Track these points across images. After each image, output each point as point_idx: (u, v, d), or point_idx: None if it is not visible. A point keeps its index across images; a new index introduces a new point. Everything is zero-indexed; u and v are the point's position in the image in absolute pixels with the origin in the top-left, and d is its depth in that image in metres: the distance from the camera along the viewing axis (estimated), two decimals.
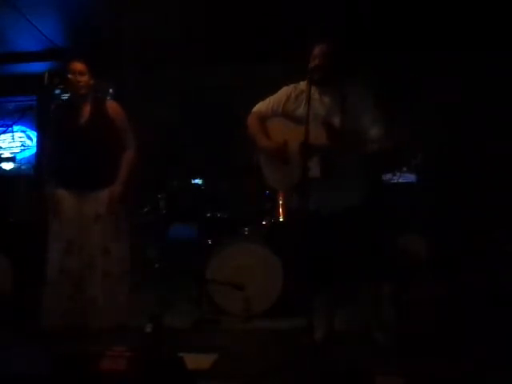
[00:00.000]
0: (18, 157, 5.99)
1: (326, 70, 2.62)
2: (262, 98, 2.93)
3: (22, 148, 6.06)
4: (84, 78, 3.02)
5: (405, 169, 4.78)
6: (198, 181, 4.76)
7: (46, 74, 5.69)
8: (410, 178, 4.86)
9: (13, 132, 5.98)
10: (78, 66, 3.01)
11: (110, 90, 5.40)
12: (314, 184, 2.49)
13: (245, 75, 5.31)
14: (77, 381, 2.02)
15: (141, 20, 4.44)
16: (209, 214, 4.39)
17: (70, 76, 3.01)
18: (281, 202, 4.05)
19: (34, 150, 6.01)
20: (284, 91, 2.82)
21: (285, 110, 2.77)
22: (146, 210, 4.40)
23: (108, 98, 5.10)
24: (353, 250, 2.73)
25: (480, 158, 4.70)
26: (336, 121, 2.62)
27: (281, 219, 4.03)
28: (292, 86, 2.81)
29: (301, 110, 2.69)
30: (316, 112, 2.59)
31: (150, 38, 4.68)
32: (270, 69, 5.09)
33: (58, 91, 5.70)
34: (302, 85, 2.73)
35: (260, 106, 2.90)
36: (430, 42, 4.68)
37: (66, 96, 5.43)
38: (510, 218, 4.24)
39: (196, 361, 2.27)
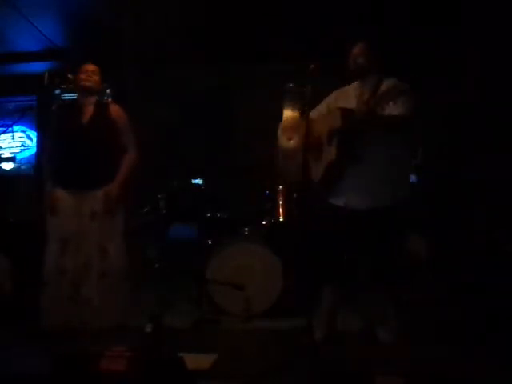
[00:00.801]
0: (18, 157, 5.98)
1: (362, 66, 2.76)
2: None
3: (22, 148, 6.06)
4: (95, 77, 3.11)
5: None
6: (198, 181, 4.76)
7: (46, 74, 5.67)
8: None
9: (13, 132, 5.98)
10: (92, 66, 3.12)
11: (108, 91, 5.38)
12: (348, 178, 2.66)
13: (245, 75, 5.32)
14: (77, 381, 2.02)
15: (141, 20, 4.44)
16: (209, 214, 4.38)
17: (81, 75, 3.08)
18: (281, 202, 4.05)
19: (33, 150, 6.01)
20: (331, 94, 3.00)
21: (328, 110, 2.92)
22: (145, 210, 4.40)
23: (105, 98, 5.09)
24: (370, 250, 2.75)
25: (480, 157, 4.70)
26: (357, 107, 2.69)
27: (281, 219, 4.03)
28: (339, 89, 2.99)
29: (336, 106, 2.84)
30: (349, 106, 2.74)
31: (150, 38, 4.68)
32: (270, 69, 5.10)
33: (58, 91, 5.70)
34: (348, 87, 2.92)
35: (312, 112, 3.03)
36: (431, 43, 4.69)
37: (66, 96, 5.44)
38: (509, 218, 4.24)
39: (196, 361, 2.27)
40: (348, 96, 2.86)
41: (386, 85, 2.67)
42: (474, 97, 4.68)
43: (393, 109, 2.53)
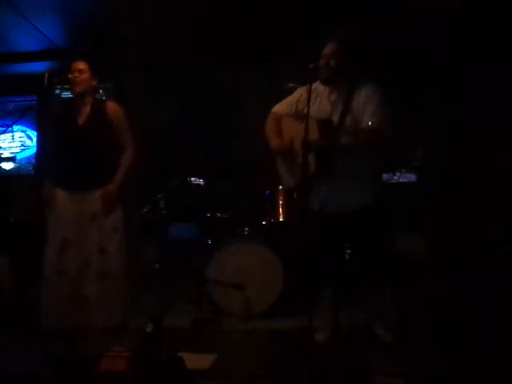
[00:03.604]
0: (18, 157, 5.99)
1: (335, 69, 2.67)
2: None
3: (22, 148, 6.06)
4: (83, 76, 3.04)
5: (404, 169, 4.76)
6: (198, 181, 4.76)
7: (46, 74, 5.70)
8: (410, 177, 4.85)
9: (13, 132, 5.98)
10: (80, 65, 3.05)
11: (100, 91, 5.36)
12: (321, 183, 2.60)
13: (245, 75, 5.32)
14: (77, 381, 2.02)
15: (141, 20, 4.44)
16: (209, 214, 4.38)
17: (70, 75, 3.03)
18: (281, 202, 4.05)
19: (33, 150, 6.01)
20: (298, 92, 2.88)
21: (297, 110, 2.84)
22: (145, 209, 4.40)
23: (103, 98, 5.09)
24: (358, 250, 2.75)
25: (481, 158, 4.70)
26: (336, 117, 2.64)
27: (281, 219, 4.03)
28: (305, 86, 2.85)
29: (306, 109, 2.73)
30: (322, 109, 2.67)
31: (150, 38, 4.68)
32: (270, 69, 5.10)
33: (57, 91, 5.71)
34: (315, 85, 2.78)
35: (276, 107, 2.98)
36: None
37: (66, 94, 5.45)
38: (509, 219, 4.24)
39: (196, 361, 2.28)
40: (318, 97, 2.76)
41: (364, 92, 2.64)
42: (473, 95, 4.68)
43: (368, 118, 2.52)
